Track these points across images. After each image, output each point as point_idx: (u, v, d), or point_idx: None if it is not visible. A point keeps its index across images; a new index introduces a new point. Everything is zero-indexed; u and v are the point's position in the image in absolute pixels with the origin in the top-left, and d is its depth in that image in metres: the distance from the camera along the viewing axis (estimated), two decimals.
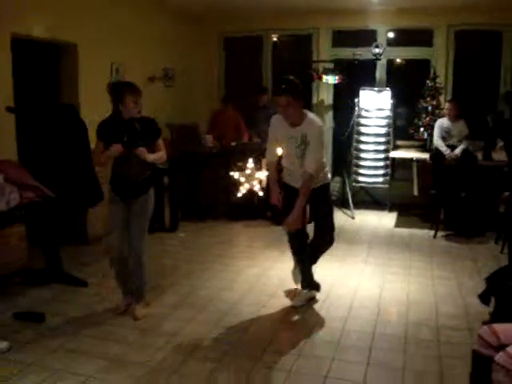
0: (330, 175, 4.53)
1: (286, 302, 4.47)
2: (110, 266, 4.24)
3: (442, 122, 7.22)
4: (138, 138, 3.88)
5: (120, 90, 3.89)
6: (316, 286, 4.56)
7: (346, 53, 8.27)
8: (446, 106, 7.32)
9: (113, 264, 4.16)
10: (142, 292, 4.20)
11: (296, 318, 4.20)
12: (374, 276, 5.18)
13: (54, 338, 3.74)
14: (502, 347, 2.64)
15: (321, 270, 4.74)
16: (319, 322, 4.09)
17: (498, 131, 6.92)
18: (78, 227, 5.99)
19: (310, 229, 4.38)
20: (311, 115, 4.19)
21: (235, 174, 7.19)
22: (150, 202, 4.11)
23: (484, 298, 3.91)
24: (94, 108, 5.89)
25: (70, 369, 3.32)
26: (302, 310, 4.33)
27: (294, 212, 4.07)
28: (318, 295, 4.58)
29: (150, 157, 3.96)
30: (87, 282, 4.81)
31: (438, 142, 7.12)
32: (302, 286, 4.52)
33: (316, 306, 4.40)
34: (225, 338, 3.80)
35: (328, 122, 8.51)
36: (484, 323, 2.93)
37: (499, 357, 2.42)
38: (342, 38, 8.51)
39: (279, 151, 4.41)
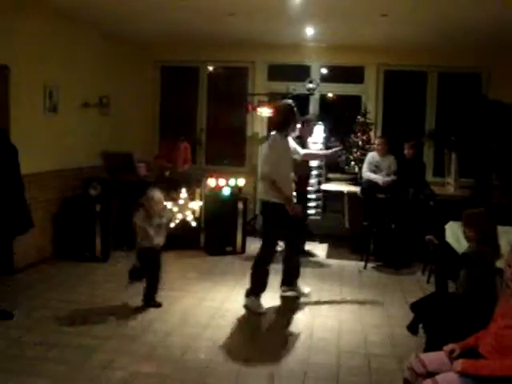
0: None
1: (219, 334, 4.42)
2: None
3: (373, 156, 7.45)
4: None
5: None
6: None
7: (281, 86, 8.44)
8: (377, 141, 7.56)
9: None
10: None
11: (228, 349, 4.15)
12: (307, 305, 5.24)
13: None
14: (430, 375, 2.74)
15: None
16: (253, 353, 4.07)
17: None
18: (1, 256, 5.68)
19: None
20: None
21: (168, 204, 7.09)
22: None
23: (412, 328, 4.04)
24: (26, 132, 5.77)
25: None
26: (234, 340, 4.31)
27: None
28: (249, 325, 4.64)
29: None
30: (13, 314, 4.58)
31: (366, 173, 7.34)
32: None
33: (247, 335, 4.40)
34: (157, 371, 3.71)
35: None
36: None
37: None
38: (278, 71, 8.71)
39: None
